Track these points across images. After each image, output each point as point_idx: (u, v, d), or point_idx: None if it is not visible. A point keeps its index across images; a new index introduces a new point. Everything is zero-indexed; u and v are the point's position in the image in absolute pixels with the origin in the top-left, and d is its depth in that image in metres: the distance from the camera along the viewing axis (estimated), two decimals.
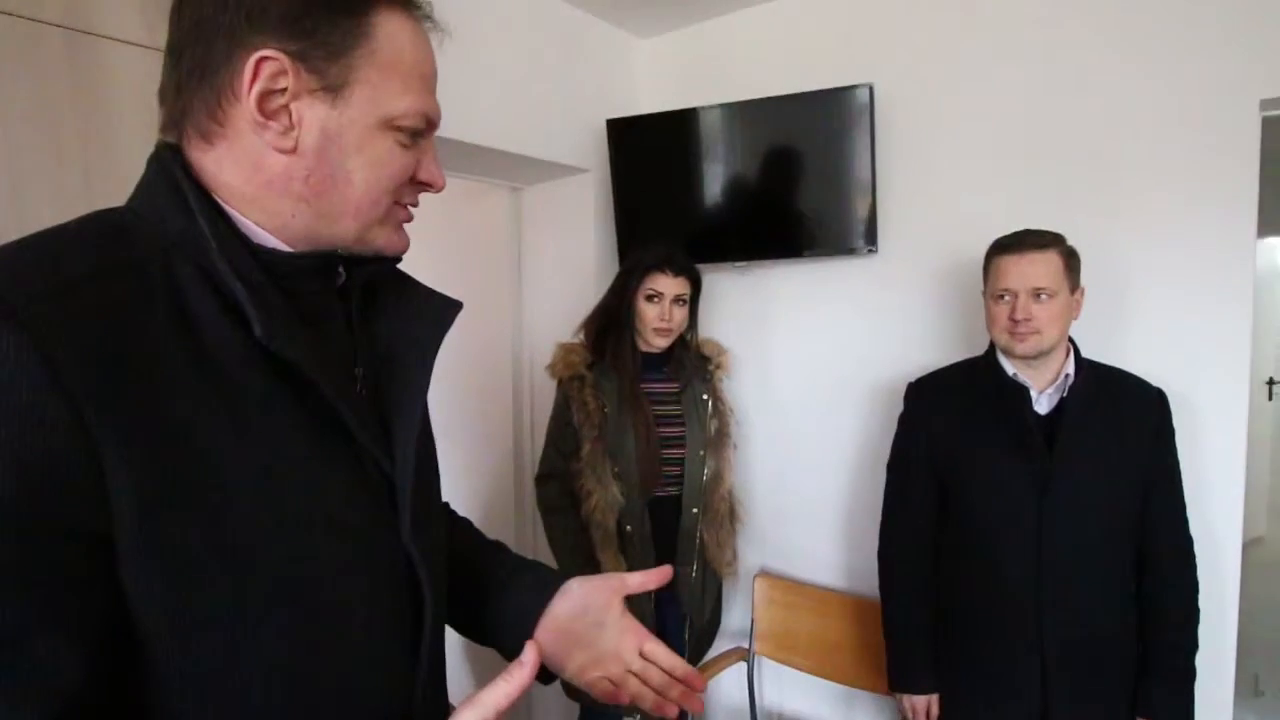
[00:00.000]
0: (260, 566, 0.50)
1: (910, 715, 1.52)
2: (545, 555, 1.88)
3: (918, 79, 1.84)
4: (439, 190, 0.63)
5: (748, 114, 1.95)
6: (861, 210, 1.85)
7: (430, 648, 0.61)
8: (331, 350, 0.59)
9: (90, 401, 0.43)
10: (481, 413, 2.53)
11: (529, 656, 0.56)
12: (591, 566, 1.73)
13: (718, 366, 1.88)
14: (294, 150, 0.53)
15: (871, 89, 1.79)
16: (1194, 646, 1.35)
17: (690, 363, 1.85)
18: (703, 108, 2.00)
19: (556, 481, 1.79)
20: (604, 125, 2.11)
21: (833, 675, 1.93)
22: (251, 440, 0.50)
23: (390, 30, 0.55)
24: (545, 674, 0.72)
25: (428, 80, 0.58)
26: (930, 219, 1.85)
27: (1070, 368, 1.37)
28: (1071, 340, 1.40)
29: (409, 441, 0.61)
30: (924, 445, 1.52)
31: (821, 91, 1.84)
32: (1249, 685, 2.60)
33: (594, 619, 0.71)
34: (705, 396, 1.83)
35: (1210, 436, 1.52)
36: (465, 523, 0.84)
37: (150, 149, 0.56)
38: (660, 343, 1.78)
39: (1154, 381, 1.41)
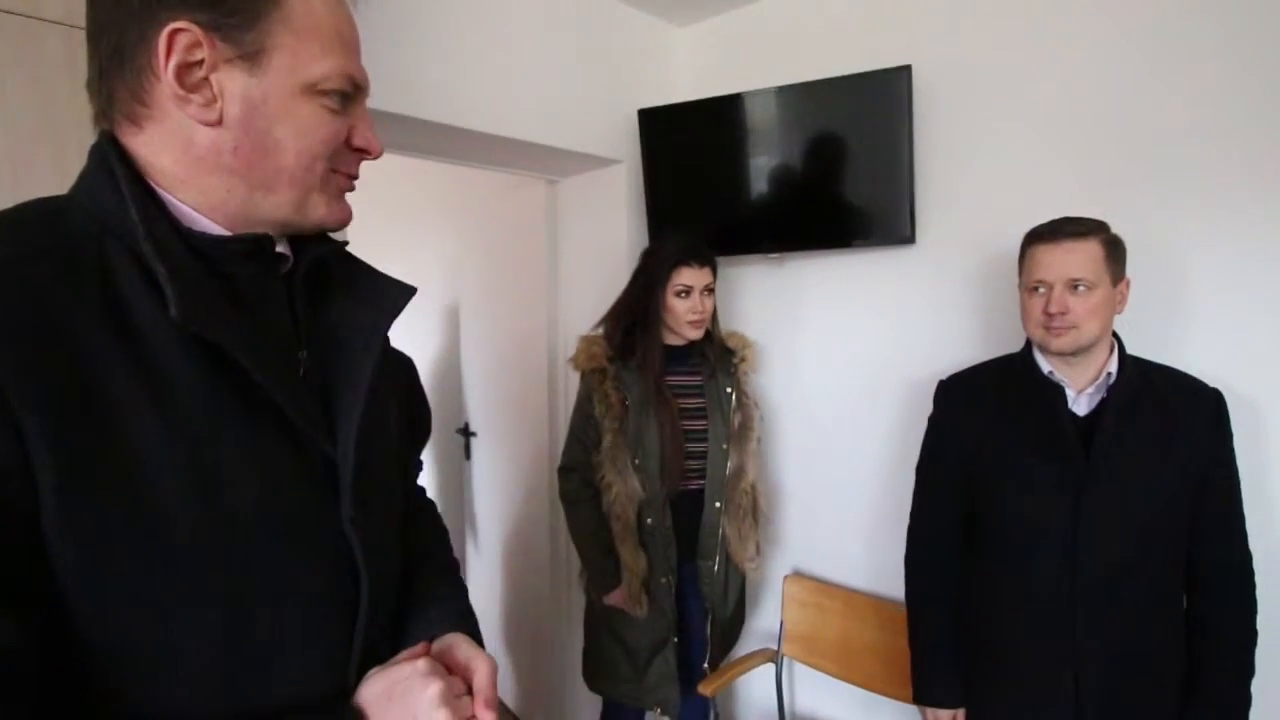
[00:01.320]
0: (184, 548, 0.50)
1: None
2: (573, 546, 1.89)
3: (960, 61, 1.74)
4: (376, 156, 0.63)
5: (779, 100, 1.89)
6: (899, 199, 1.77)
7: (367, 629, 0.61)
8: (269, 334, 0.60)
9: (7, 377, 0.44)
10: (517, 403, 2.56)
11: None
12: (611, 559, 1.73)
13: (742, 360, 1.84)
14: (219, 122, 0.54)
15: (909, 71, 1.71)
16: (1249, 671, 1.24)
17: (714, 355, 1.82)
18: (733, 95, 1.95)
19: (578, 473, 1.79)
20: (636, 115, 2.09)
21: (859, 680, 1.87)
22: (178, 424, 0.50)
23: None
24: None
25: (348, 42, 0.58)
26: (971, 208, 1.75)
27: (1113, 365, 1.27)
28: (1116, 336, 1.30)
29: (351, 424, 0.60)
30: (953, 447, 1.44)
31: (857, 75, 1.77)
32: None
33: None
34: (729, 390, 1.80)
35: (1275, 442, 1.39)
36: (428, 532, 0.83)
37: None
38: (695, 334, 1.75)
39: (1213, 382, 1.29)
